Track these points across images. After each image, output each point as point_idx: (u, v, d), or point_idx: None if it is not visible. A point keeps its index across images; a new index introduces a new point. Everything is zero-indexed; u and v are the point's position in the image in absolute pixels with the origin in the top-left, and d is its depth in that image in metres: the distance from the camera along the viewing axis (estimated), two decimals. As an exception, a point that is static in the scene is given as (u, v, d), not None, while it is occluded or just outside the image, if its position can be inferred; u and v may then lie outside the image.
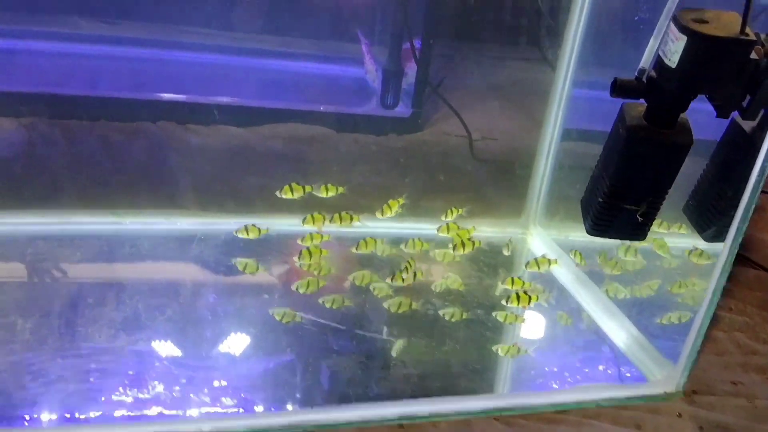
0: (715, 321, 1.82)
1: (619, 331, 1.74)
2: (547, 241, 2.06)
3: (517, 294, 1.67)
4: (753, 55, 1.36)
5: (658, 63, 1.38)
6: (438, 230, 1.86)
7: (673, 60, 1.34)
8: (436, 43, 2.71)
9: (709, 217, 1.54)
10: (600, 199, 1.50)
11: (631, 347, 1.69)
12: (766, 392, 1.60)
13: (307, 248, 1.76)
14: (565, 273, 1.95)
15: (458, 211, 1.87)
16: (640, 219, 1.50)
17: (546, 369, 1.64)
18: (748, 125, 1.48)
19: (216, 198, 2.00)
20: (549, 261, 1.83)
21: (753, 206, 1.39)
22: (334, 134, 2.59)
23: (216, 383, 1.43)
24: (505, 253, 1.93)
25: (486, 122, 2.76)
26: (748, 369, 1.67)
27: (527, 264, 1.85)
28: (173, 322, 1.55)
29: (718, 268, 1.44)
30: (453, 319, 1.67)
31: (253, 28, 2.76)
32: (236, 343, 1.56)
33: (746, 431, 1.48)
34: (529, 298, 1.67)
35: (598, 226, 1.53)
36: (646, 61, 1.37)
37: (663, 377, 1.57)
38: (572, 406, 1.48)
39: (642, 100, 1.43)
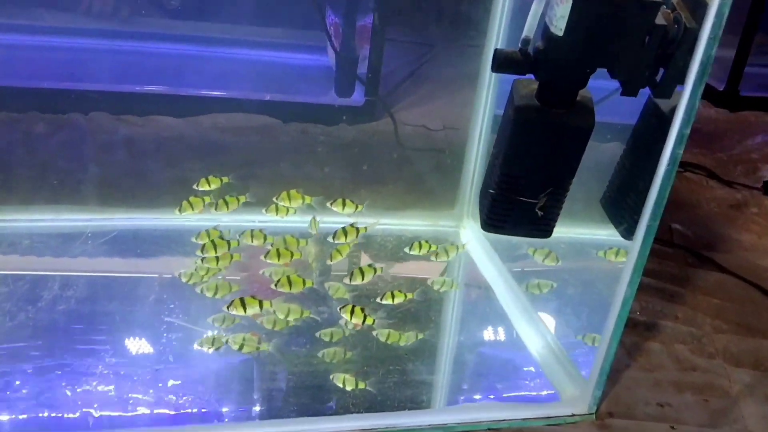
0: (654, 332, 1.62)
1: (536, 338, 1.54)
2: (478, 234, 1.86)
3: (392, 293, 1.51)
4: (660, 20, 1.16)
5: (545, 31, 1.18)
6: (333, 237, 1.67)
7: (559, 27, 1.13)
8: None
9: (623, 211, 1.33)
10: (491, 191, 1.31)
11: (546, 358, 1.49)
12: (697, 417, 1.38)
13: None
14: (490, 270, 1.76)
15: (308, 199, 1.69)
16: (539, 213, 1.31)
17: (440, 378, 1.45)
18: (664, 104, 1.27)
19: (122, 193, 1.87)
20: (458, 247, 1.65)
21: (664, 200, 1.17)
22: (280, 124, 2.44)
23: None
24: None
25: (452, 111, 2.58)
26: (683, 388, 1.46)
27: (436, 254, 1.67)
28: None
29: (626, 271, 1.23)
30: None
31: (201, 15, 2.63)
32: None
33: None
34: (364, 316, 1.47)
35: (492, 221, 1.33)
36: (529, 28, 1.17)
37: (575, 395, 1.37)
38: (459, 428, 1.29)
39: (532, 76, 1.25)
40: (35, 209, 1.73)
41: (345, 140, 2.39)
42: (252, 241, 1.67)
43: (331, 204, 1.68)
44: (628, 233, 1.30)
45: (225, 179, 1.68)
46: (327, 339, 1.47)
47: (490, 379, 1.49)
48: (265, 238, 1.68)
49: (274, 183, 2.02)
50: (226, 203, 1.68)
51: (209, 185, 1.71)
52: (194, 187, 1.69)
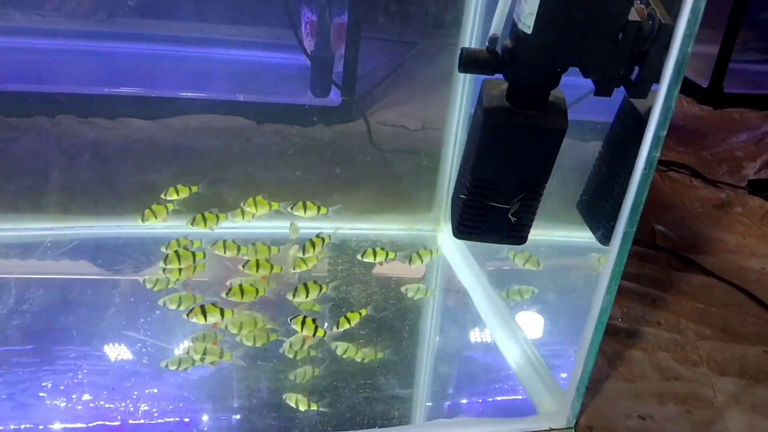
0: (636, 339, 1.56)
1: (513, 347, 1.48)
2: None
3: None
4: (634, 16, 1.10)
5: (513, 29, 1.12)
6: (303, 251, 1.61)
7: (527, 24, 1.07)
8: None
9: (600, 216, 1.28)
10: (462, 196, 1.25)
11: (524, 368, 1.43)
12: (680, 430, 1.33)
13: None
14: (467, 275, 1.70)
15: (275, 205, 1.62)
16: (513, 219, 1.25)
17: (412, 393, 1.39)
18: (640, 105, 1.21)
19: (85, 200, 1.80)
20: (431, 252, 1.60)
21: (641, 205, 1.12)
22: (253, 125, 2.37)
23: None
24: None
25: (432, 111, 2.52)
26: (666, 399, 1.40)
27: (410, 259, 1.61)
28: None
29: (604, 278, 1.18)
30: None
31: (174, 14, 2.56)
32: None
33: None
34: (316, 327, 1.40)
35: (464, 228, 1.27)
36: (497, 26, 1.11)
37: (552, 409, 1.31)
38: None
39: (501, 76, 1.19)
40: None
41: (321, 142, 2.33)
42: (225, 252, 1.60)
43: (292, 208, 1.61)
44: (605, 239, 1.25)
45: (195, 188, 1.61)
46: (291, 356, 1.40)
47: (465, 393, 1.43)
48: (238, 249, 1.61)
49: (245, 187, 1.96)
50: (205, 220, 1.61)
51: (177, 194, 1.65)
52: (162, 196, 1.63)
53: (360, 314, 1.47)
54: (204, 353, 1.38)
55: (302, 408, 1.30)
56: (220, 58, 2.60)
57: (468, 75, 1.68)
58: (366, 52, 2.49)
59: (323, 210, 1.63)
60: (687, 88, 3.24)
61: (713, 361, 1.53)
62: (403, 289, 1.61)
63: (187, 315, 1.39)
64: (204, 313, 1.38)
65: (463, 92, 1.70)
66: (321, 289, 1.49)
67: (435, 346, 1.54)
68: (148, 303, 1.50)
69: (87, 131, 2.17)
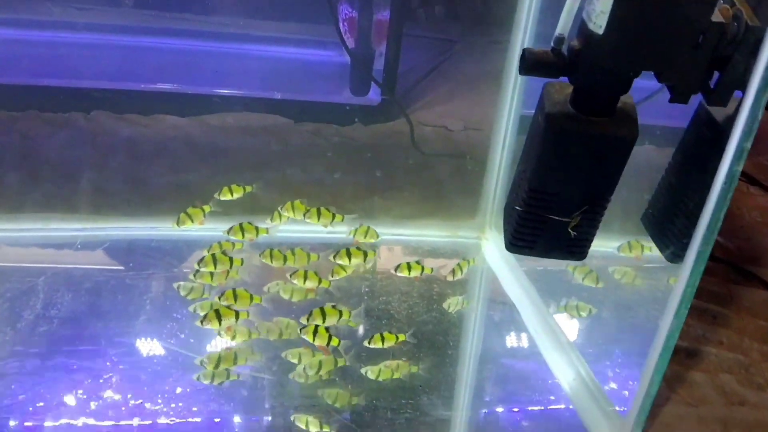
0: (697, 359, 1.46)
1: (566, 368, 1.39)
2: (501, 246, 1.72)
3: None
4: (717, 17, 1.01)
5: (581, 29, 1.03)
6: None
7: (599, 24, 0.99)
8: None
9: (669, 232, 1.18)
10: (518, 207, 1.16)
11: (577, 390, 1.34)
12: (749, 460, 1.23)
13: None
14: (514, 288, 1.61)
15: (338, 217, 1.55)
16: (572, 234, 1.16)
17: (456, 416, 1.31)
18: (719, 113, 1.11)
19: (116, 200, 1.75)
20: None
21: (719, 222, 1.02)
22: (290, 124, 2.31)
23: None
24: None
25: (475, 111, 2.43)
26: (730, 425, 1.31)
27: (452, 273, 1.54)
28: None
29: (673, 300, 1.09)
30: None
31: (215, 10, 2.50)
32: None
33: None
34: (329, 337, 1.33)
35: (519, 241, 1.19)
36: (564, 26, 1.03)
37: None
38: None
39: (566, 79, 1.10)
40: (24, 218, 1.62)
41: (359, 142, 2.26)
42: (271, 261, 1.53)
43: (305, 215, 1.54)
44: (675, 257, 1.16)
45: (249, 188, 1.55)
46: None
47: (515, 419, 1.35)
48: (285, 259, 1.52)
49: (282, 189, 1.90)
50: (243, 230, 1.54)
51: (231, 194, 1.58)
52: (215, 196, 1.57)
53: (397, 338, 1.39)
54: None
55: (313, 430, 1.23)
56: (258, 55, 2.55)
57: (519, 76, 1.60)
58: (407, 50, 2.42)
59: (338, 217, 1.55)
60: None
61: (781, 386, 1.43)
62: (445, 305, 1.53)
63: (201, 322, 1.33)
64: (219, 318, 1.32)
65: (514, 93, 1.62)
66: (341, 315, 1.40)
67: (479, 364, 1.46)
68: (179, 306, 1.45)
69: (122, 128, 2.13)
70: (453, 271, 1.54)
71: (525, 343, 1.49)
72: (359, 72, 2.43)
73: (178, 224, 1.49)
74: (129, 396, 1.26)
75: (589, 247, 1.20)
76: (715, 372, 1.44)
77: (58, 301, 1.43)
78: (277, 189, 1.87)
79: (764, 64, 0.93)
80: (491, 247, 1.75)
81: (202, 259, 1.47)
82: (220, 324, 1.33)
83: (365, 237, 1.55)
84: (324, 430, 1.25)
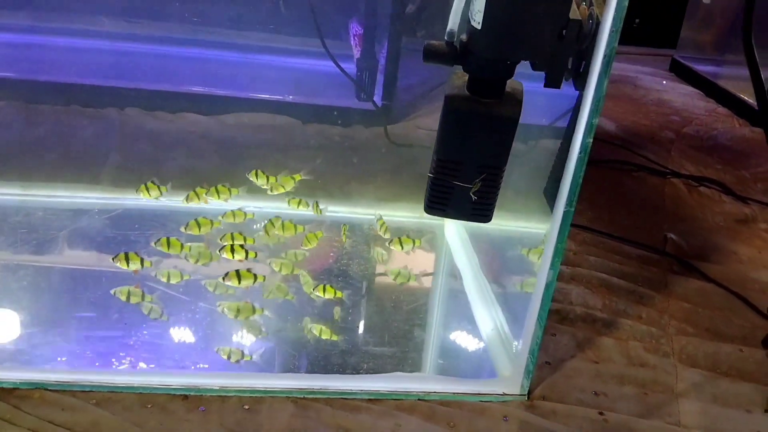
0: (612, 329, 1.64)
1: (488, 321, 1.59)
2: (460, 227, 1.93)
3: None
4: (575, 15, 1.21)
5: (468, 24, 1.26)
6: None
7: (477, 20, 1.22)
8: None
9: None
10: (430, 174, 1.38)
11: (494, 341, 1.54)
12: (631, 408, 1.40)
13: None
14: (462, 259, 1.82)
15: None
16: (474, 198, 1.37)
17: (386, 351, 1.52)
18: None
19: (132, 176, 2.05)
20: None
21: (578, 187, 1.23)
22: (299, 124, 2.59)
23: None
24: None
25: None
26: (625, 381, 1.47)
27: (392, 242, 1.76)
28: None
29: (547, 255, 1.28)
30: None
31: (240, 25, 2.82)
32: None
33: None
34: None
35: (433, 204, 1.41)
36: (453, 22, 1.26)
37: (509, 376, 1.42)
38: (389, 395, 1.37)
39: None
40: (56, 187, 1.94)
41: (355, 140, 2.52)
42: (283, 232, 1.77)
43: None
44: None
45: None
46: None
47: (437, 356, 1.56)
48: (295, 229, 1.76)
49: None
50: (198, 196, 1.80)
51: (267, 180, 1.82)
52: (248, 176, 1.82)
53: (335, 292, 1.60)
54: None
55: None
56: (278, 65, 2.85)
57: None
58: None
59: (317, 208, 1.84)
60: (740, 109, 3.22)
61: (685, 354, 1.58)
62: (391, 275, 1.75)
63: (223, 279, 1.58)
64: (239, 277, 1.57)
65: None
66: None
67: (419, 318, 1.67)
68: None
69: (149, 122, 2.45)
70: (394, 242, 1.76)
71: (461, 304, 1.69)
72: (365, 79, 2.70)
73: (186, 201, 1.78)
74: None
75: (491, 210, 1.40)
76: (626, 340, 1.61)
77: (75, 247, 1.76)
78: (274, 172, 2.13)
79: (603, 52, 1.14)
80: (452, 228, 1.96)
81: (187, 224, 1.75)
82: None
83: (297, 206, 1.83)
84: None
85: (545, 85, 1.28)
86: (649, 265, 1.94)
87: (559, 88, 1.28)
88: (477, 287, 1.72)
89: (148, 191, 1.78)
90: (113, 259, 1.59)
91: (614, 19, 1.11)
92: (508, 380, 1.40)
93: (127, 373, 1.40)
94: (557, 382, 1.44)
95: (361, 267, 1.81)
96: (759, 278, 1.95)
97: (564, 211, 1.24)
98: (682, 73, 3.70)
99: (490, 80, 1.28)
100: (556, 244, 1.26)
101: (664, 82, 3.65)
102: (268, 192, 1.82)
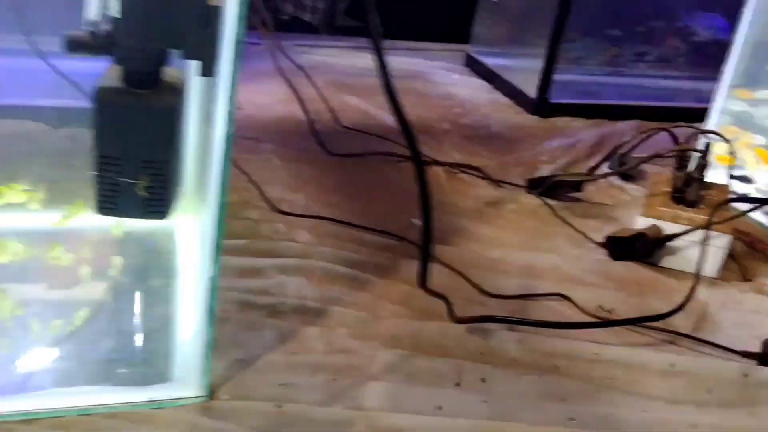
0: (321, 318, 1.65)
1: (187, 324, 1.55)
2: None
3: None
4: (213, 2, 1.19)
5: (109, 13, 1.22)
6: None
7: (116, 9, 1.17)
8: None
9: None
10: (94, 173, 1.33)
11: (184, 345, 1.48)
12: (311, 396, 1.40)
13: None
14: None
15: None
16: (144, 195, 1.33)
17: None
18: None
19: None
20: None
21: (228, 179, 1.21)
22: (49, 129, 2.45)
23: None
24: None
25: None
26: (319, 370, 1.47)
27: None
28: None
29: (209, 250, 1.26)
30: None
31: None
32: None
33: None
34: None
35: (104, 204, 1.36)
36: (91, 11, 1.21)
37: (188, 378, 1.37)
38: (46, 414, 1.28)
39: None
40: None
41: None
42: None
43: None
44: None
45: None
46: None
47: (117, 365, 1.48)
48: None
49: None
50: None
51: None
52: None
53: None
54: None
55: None
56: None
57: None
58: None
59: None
60: (518, 98, 3.39)
61: (389, 336, 1.61)
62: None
63: None
64: None
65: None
66: None
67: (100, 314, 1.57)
68: None
69: None
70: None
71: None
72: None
73: None
74: None
75: (168, 207, 1.37)
76: (332, 327, 1.62)
77: None
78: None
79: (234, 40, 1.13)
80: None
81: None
82: None
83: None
84: None
85: (200, 75, 1.25)
86: (385, 251, 1.98)
87: (213, 76, 1.26)
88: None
89: None
90: None
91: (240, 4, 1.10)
92: (185, 383, 1.36)
93: None
94: (247, 379, 1.42)
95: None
96: (491, 256, 2.04)
97: (221, 203, 1.22)
98: (474, 67, 3.85)
99: (139, 70, 1.24)
100: (218, 239, 1.24)
101: (456, 76, 3.77)
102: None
